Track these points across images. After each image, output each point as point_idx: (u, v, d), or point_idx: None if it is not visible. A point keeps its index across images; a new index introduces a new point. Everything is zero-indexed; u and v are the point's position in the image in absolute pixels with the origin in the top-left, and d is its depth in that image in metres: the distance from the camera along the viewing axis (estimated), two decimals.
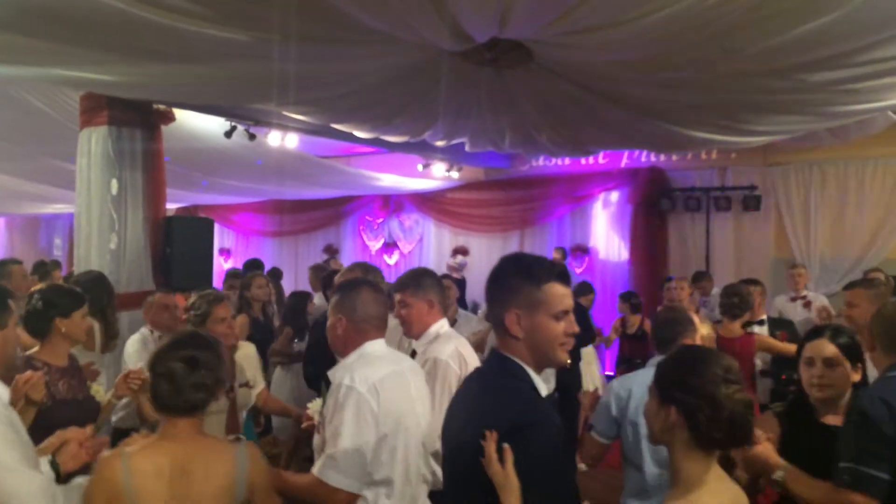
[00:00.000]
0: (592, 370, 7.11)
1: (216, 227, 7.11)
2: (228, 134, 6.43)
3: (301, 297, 5.94)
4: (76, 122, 5.41)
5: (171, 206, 10.34)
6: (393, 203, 11.70)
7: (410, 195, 11.29)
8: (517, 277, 1.91)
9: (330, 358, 2.72)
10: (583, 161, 9.74)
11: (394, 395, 2.46)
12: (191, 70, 4.10)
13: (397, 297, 3.10)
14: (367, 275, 3.63)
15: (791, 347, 4.81)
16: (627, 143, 7.26)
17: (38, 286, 3.58)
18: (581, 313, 5.60)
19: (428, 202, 11.31)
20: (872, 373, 2.71)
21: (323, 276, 6.51)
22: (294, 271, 11.67)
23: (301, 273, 11.12)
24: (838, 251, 8.42)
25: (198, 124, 6.39)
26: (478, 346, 3.52)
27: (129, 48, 3.65)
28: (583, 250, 10.17)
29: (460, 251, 10.92)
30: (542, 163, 10.13)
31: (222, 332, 3.40)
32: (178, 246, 5.65)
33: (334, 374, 2.51)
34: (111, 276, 4.83)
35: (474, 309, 8.17)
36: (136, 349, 3.93)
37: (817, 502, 2.26)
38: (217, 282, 7.30)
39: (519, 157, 9.81)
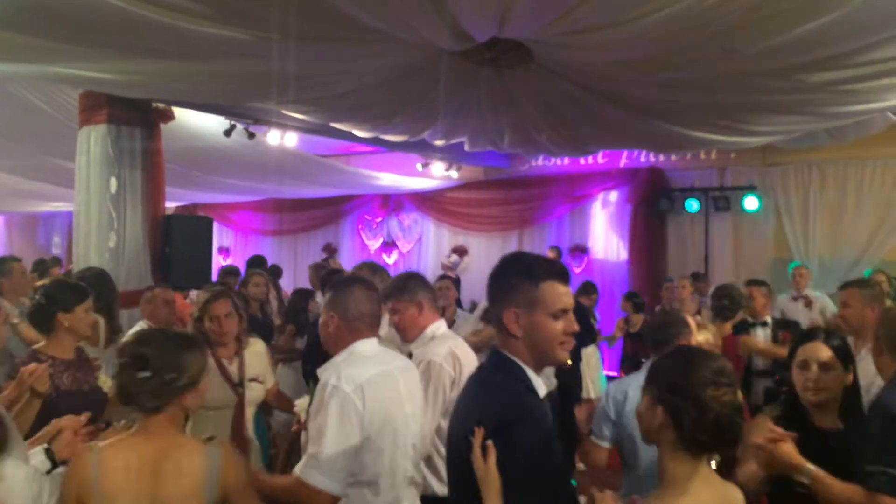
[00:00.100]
0: (592, 373, 7.07)
1: (215, 225, 7.12)
2: (228, 132, 6.43)
3: (303, 295, 5.97)
4: (75, 120, 5.41)
5: (170, 205, 10.32)
6: (392, 202, 11.70)
7: (410, 194, 11.29)
8: (515, 276, 1.92)
9: (328, 356, 2.71)
10: (582, 161, 9.74)
11: (381, 395, 2.42)
12: (190, 68, 4.10)
13: (388, 305, 3.06)
14: (374, 275, 3.63)
15: (777, 350, 4.82)
16: (627, 142, 7.27)
17: (42, 282, 3.60)
18: (582, 313, 5.59)
19: (427, 201, 11.31)
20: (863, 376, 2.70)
21: (323, 274, 6.53)
22: (293, 270, 11.66)
23: (300, 271, 11.12)
24: (837, 251, 8.43)
25: (197, 123, 6.39)
26: (477, 348, 3.50)
27: (129, 46, 3.64)
28: (581, 250, 10.18)
29: (459, 251, 10.92)
30: (542, 162, 10.13)
31: (213, 330, 3.42)
32: (177, 244, 5.66)
33: (322, 372, 2.48)
34: (110, 274, 4.83)
35: (473, 308, 8.16)
36: None
37: None
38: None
39: (518, 157, 9.81)
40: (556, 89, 4.69)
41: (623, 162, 9.75)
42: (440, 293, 6.16)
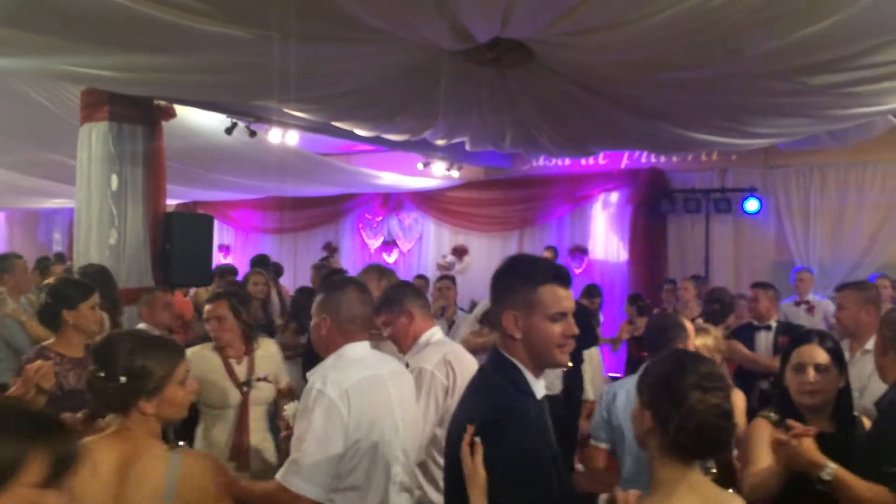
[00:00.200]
0: (593, 375, 7.02)
1: (216, 223, 7.11)
2: (229, 130, 6.42)
3: (307, 293, 5.99)
4: (77, 117, 5.41)
5: (171, 202, 10.33)
6: (393, 201, 11.69)
7: (410, 194, 11.28)
8: (514, 278, 1.92)
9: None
10: (583, 161, 9.73)
11: (368, 400, 2.38)
12: (192, 66, 4.11)
13: (379, 320, 3.01)
14: (382, 277, 3.61)
15: (763, 361, 4.78)
16: (628, 143, 7.27)
17: (47, 280, 3.61)
18: (584, 315, 5.57)
19: (428, 201, 11.30)
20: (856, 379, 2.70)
21: (324, 274, 6.54)
22: (293, 268, 11.66)
23: (300, 270, 11.12)
24: (838, 254, 8.42)
25: (198, 121, 6.38)
26: (475, 352, 3.48)
27: (131, 44, 3.65)
28: (582, 251, 10.16)
29: (459, 251, 10.92)
30: (543, 163, 10.12)
31: (213, 331, 3.45)
32: (178, 242, 5.65)
33: (311, 374, 2.44)
34: (111, 271, 4.83)
35: (472, 308, 8.16)
36: None
37: None
38: None
39: (519, 157, 9.81)
40: (558, 90, 4.69)
41: (624, 163, 9.74)
42: (440, 293, 6.18)
